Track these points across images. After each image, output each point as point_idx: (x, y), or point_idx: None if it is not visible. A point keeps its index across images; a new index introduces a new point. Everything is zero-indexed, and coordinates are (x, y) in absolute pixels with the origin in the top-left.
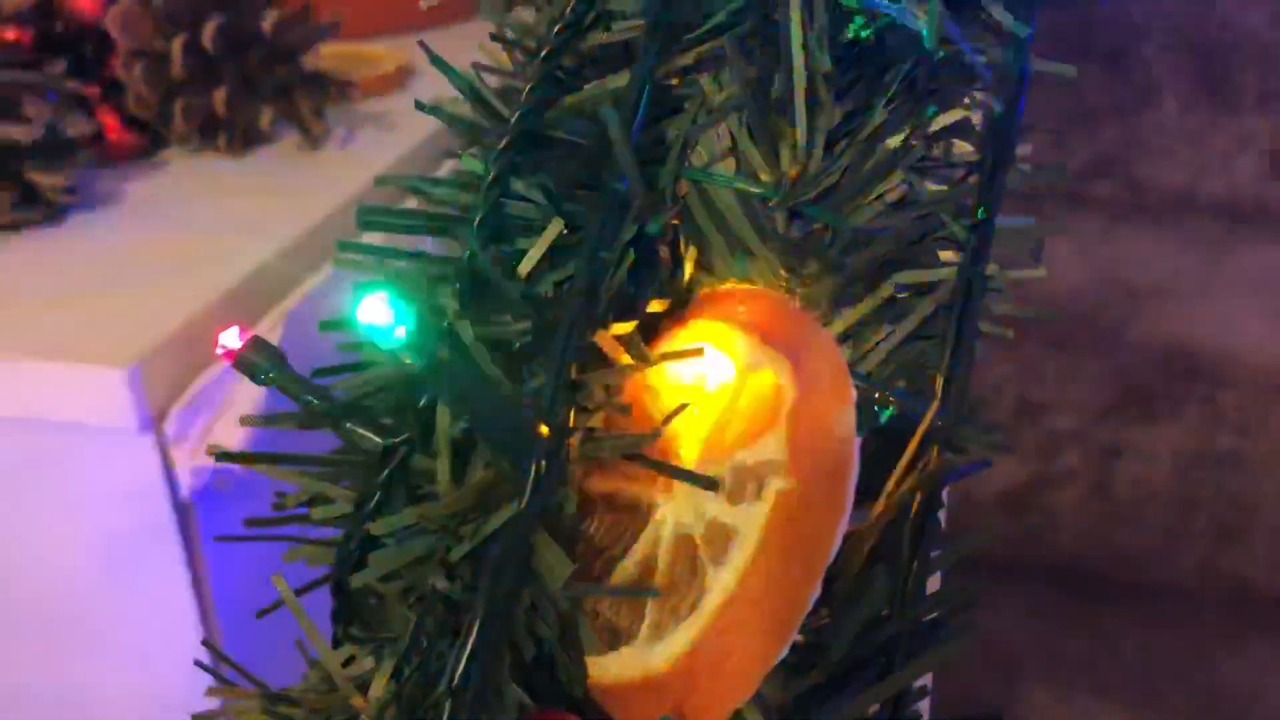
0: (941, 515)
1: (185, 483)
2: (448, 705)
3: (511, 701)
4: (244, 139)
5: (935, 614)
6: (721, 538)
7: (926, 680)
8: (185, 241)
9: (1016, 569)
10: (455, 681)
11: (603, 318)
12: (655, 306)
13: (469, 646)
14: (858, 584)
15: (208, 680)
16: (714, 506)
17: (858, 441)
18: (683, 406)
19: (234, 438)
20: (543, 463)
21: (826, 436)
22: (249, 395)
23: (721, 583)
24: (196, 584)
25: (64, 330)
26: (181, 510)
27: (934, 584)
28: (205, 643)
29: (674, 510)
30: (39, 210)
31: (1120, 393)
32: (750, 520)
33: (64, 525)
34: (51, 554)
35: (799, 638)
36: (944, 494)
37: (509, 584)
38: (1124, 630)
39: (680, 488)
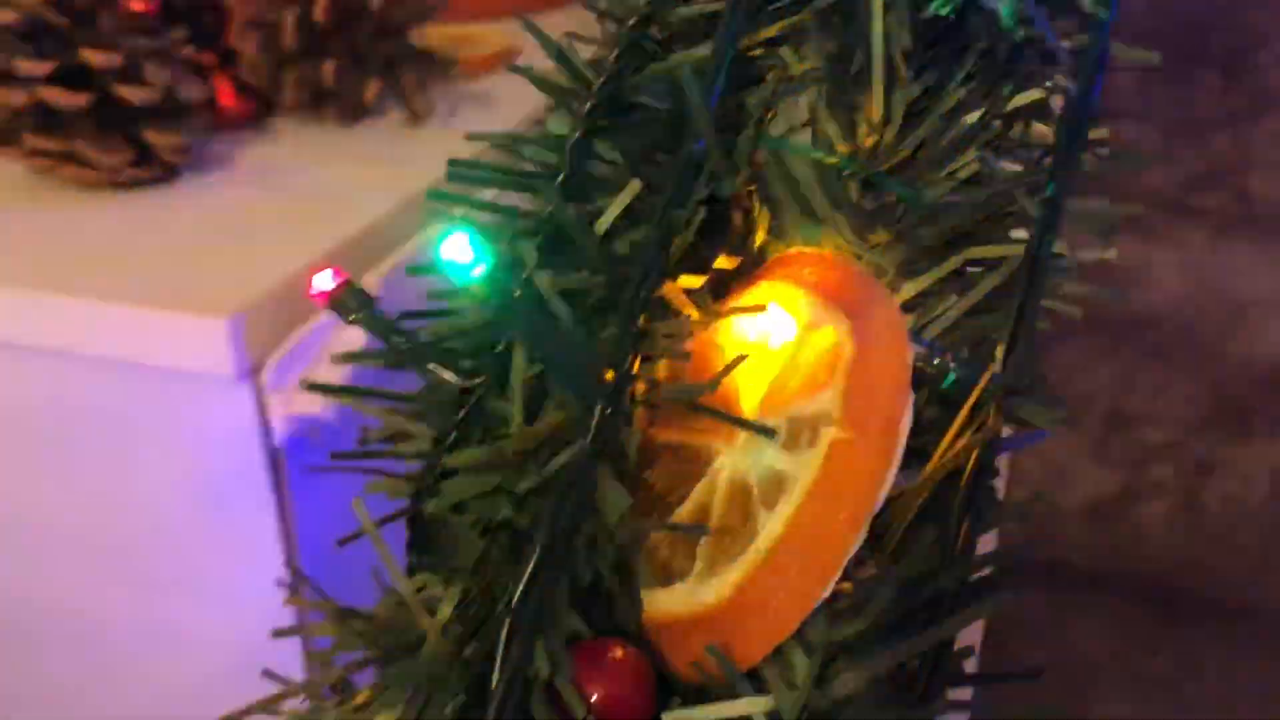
0: (999, 484)
1: (278, 430)
2: (506, 623)
3: (567, 626)
4: (350, 111)
5: (983, 574)
6: (775, 484)
7: (973, 642)
8: (290, 204)
9: (1100, 581)
10: (515, 601)
11: (673, 272)
12: (724, 263)
13: (529, 569)
14: (906, 540)
15: (290, 620)
16: (769, 454)
17: (911, 397)
18: (742, 357)
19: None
20: (607, 403)
21: (881, 391)
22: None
23: (772, 525)
24: (284, 528)
25: (172, 281)
26: (273, 457)
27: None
28: (288, 564)
29: (731, 459)
30: (154, 169)
31: (1216, 407)
32: (803, 467)
33: (162, 467)
34: (149, 493)
35: (846, 586)
36: (1004, 463)
37: (570, 515)
38: (1208, 650)
39: (739, 438)
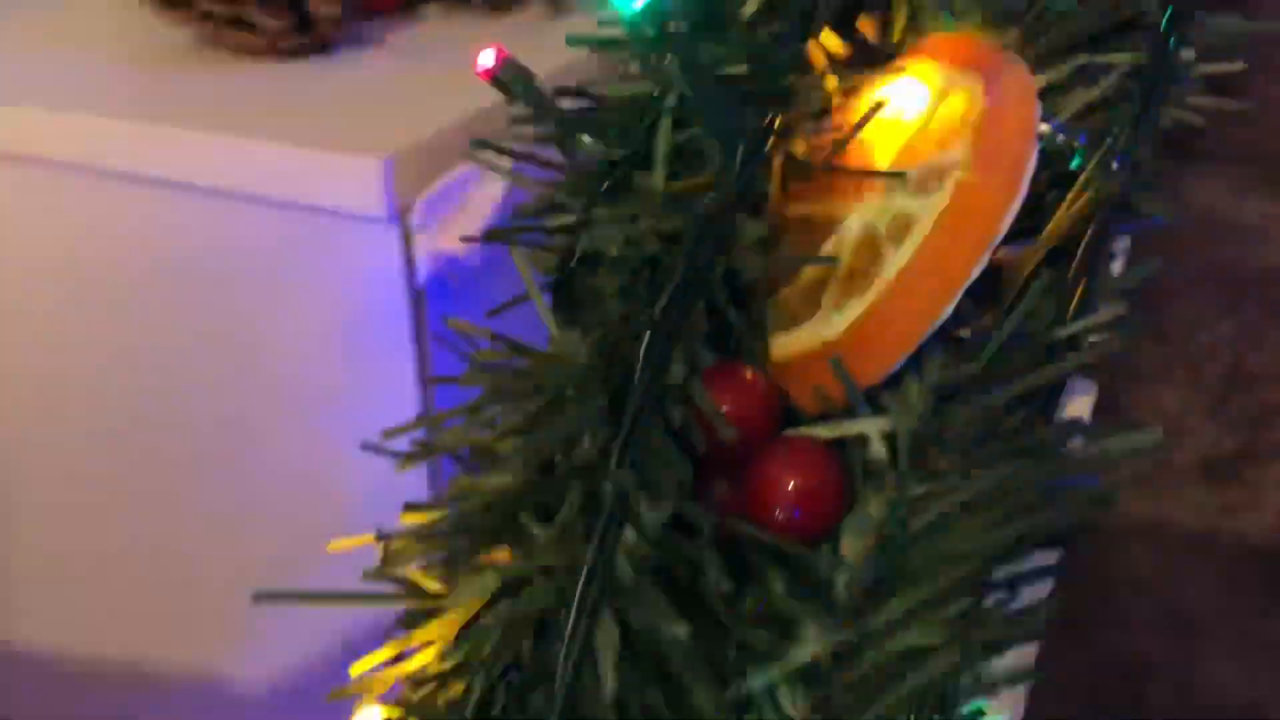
0: (1115, 264)
1: (422, 270)
2: (647, 334)
3: (701, 348)
4: (496, 0)
5: (1097, 335)
6: (903, 225)
7: (1083, 414)
8: (438, 75)
9: (1211, 540)
10: (657, 314)
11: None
12: (865, 26)
13: (671, 288)
14: (1022, 294)
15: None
16: (899, 200)
17: (1036, 146)
18: (879, 105)
19: (471, 233)
20: (749, 147)
21: (1009, 139)
22: (489, 195)
23: (899, 255)
24: (421, 368)
25: (328, 129)
26: (415, 297)
27: None
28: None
29: (861, 214)
30: (312, 38)
31: None
32: (931, 205)
33: (310, 305)
34: (296, 331)
35: (965, 333)
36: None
37: (710, 246)
38: None
39: (869, 197)
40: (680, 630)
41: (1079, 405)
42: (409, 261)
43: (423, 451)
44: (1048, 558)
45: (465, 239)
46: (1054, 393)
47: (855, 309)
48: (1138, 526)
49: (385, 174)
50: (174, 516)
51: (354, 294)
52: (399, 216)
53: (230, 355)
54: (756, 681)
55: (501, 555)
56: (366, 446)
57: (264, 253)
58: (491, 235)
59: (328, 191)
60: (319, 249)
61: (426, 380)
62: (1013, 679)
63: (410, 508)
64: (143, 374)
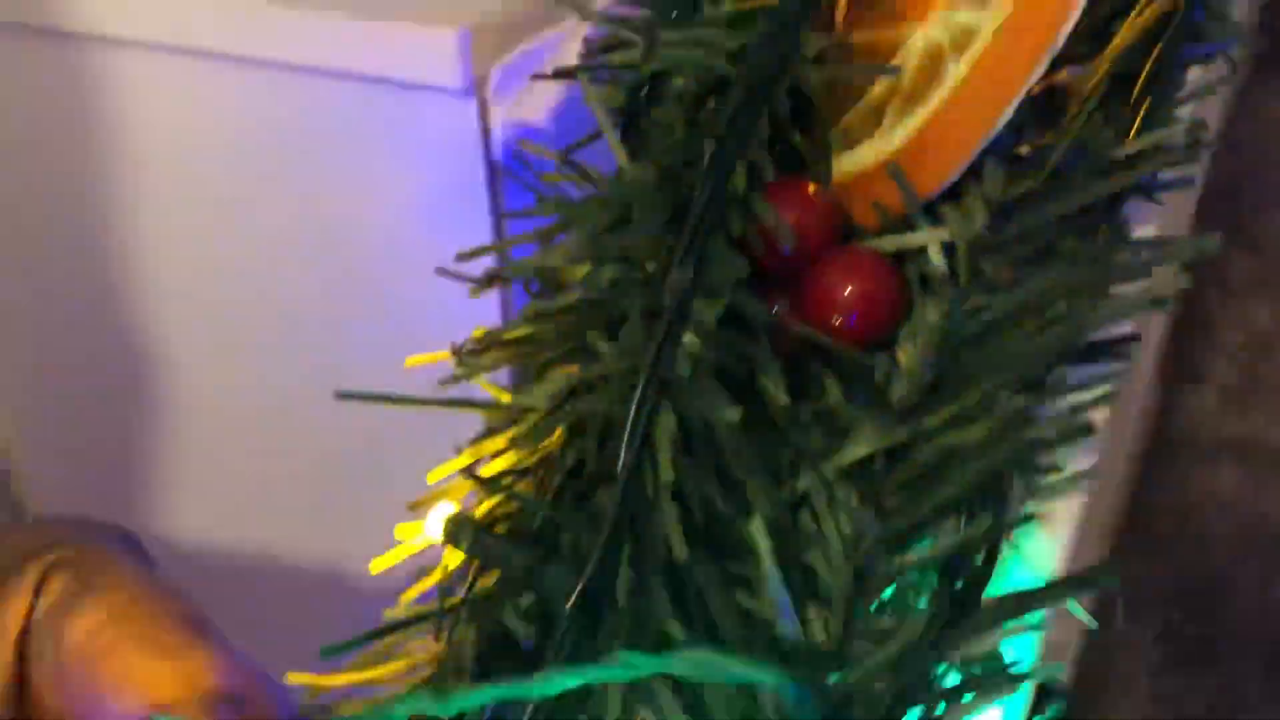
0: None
1: (498, 141)
2: (712, 144)
3: (763, 162)
4: None
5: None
6: (965, 38)
7: (1148, 232)
8: None
9: None
10: (722, 130)
11: None
12: None
13: (735, 102)
14: (1083, 114)
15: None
16: (962, 15)
17: None
18: None
19: (544, 104)
20: None
21: None
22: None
23: (959, 66)
24: (499, 237)
25: (404, 1)
26: (492, 171)
27: None
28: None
29: (925, 33)
30: None
31: None
32: (992, 14)
33: (387, 180)
34: (373, 208)
35: (1024, 150)
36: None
37: (775, 55)
38: None
39: (933, 17)
40: (733, 414)
41: (1139, 230)
42: (485, 133)
43: (494, 277)
44: (1100, 366)
45: (536, 76)
46: (1113, 214)
47: (917, 118)
48: (1225, 444)
49: (462, 46)
50: (267, 385)
51: (431, 166)
52: (475, 89)
53: (308, 232)
54: (810, 478)
55: (569, 369)
56: (441, 271)
57: (339, 126)
58: (561, 73)
59: (403, 64)
60: (395, 122)
61: (500, 215)
62: (1064, 485)
63: (481, 328)
64: (232, 247)
